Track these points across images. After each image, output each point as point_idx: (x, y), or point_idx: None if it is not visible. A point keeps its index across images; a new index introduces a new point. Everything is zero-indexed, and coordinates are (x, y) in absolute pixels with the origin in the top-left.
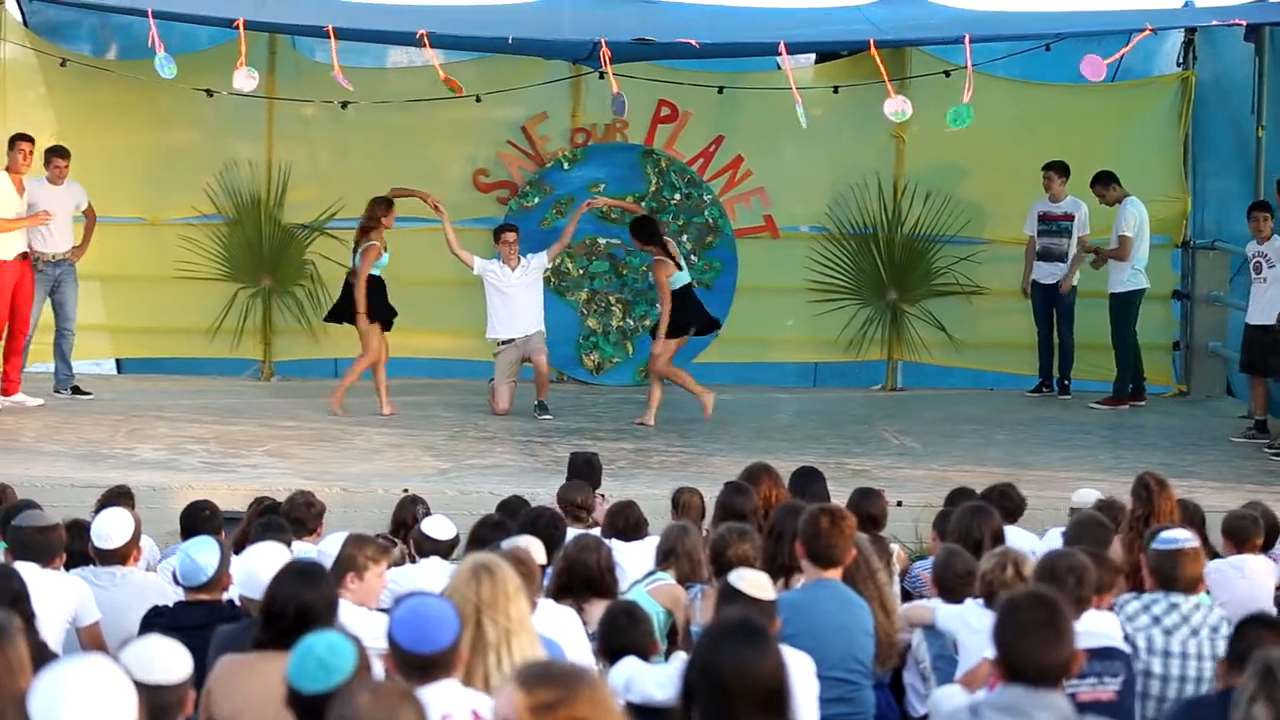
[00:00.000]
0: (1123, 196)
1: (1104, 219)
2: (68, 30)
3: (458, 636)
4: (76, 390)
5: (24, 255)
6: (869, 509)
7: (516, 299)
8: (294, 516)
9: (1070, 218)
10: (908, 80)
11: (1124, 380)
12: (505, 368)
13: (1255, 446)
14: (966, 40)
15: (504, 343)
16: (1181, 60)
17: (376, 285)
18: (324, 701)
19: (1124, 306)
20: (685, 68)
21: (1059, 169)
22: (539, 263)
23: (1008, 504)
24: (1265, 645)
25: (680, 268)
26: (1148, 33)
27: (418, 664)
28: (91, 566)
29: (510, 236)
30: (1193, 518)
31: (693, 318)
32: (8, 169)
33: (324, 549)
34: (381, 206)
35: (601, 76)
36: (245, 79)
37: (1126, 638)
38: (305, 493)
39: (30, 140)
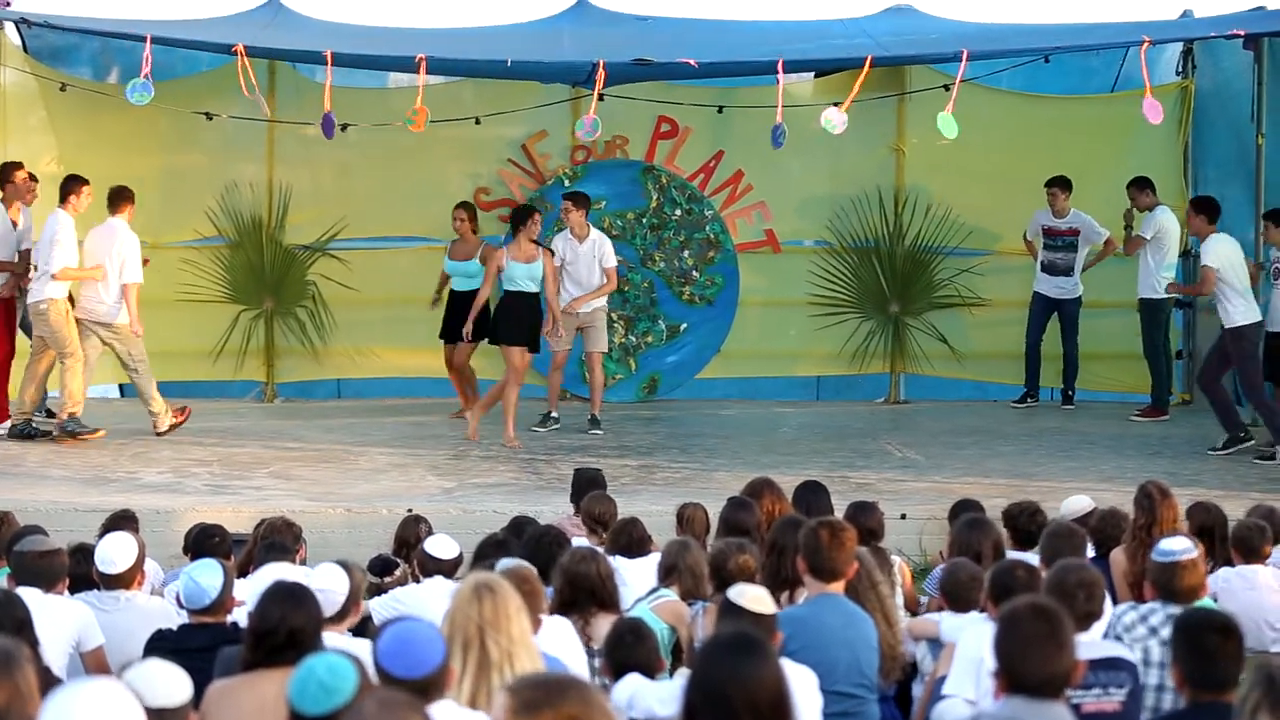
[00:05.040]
0: (1155, 204)
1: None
2: (68, 54)
3: (446, 655)
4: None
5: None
6: (866, 522)
7: (579, 265)
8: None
9: (1075, 233)
10: (908, 95)
11: (1160, 389)
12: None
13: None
14: (964, 56)
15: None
16: (1181, 69)
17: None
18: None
19: (1152, 314)
20: (684, 84)
21: (1063, 184)
22: (604, 252)
23: (1031, 525)
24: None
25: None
26: (1146, 46)
27: (412, 689)
28: (96, 591)
29: (568, 205)
30: (1214, 520)
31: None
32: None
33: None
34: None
35: (601, 98)
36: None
37: None
38: (281, 517)
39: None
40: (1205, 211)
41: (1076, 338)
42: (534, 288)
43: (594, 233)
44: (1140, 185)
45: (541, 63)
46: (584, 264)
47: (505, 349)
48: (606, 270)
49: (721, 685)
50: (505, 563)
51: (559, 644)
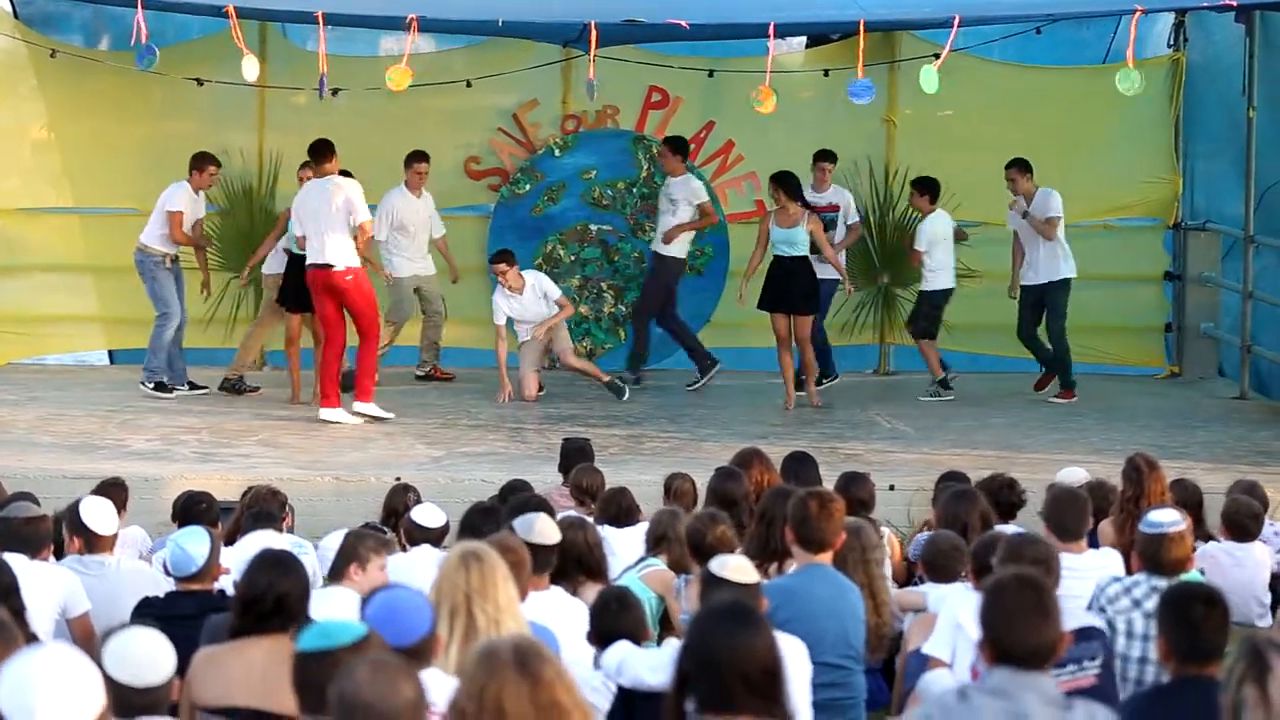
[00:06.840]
0: (1035, 189)
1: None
2: (59, 21)
3: (434, 623)
4: (194, 385)
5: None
6: (857, 493)
7: (530, 310)
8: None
9: (835, 208)
10: (898, 64)
11: (1055, 364)
12: (531, 358)
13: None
14: (956, 22)
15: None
16: (1172, 42)
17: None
18: (319, 662)
19: (1033, 297)
20: (675, 52)
21: (830, 157)
22: (546, 289)
23: (1011, 497)
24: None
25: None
26: (1138, 15)
27: (400, 657)
28: (81, 556)
29: (501, 266)
30: (1191, 498)
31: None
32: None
33: (326, 545)
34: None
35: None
36: (250, 68)
37: (1108, 622)
38: (267, 485)
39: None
40: (679, 151)
41: (822, 320)
42: (791, 252)
43: (529, 277)
44: (1022, 168)
45: (533, 23)
46: (531, 308)
47: (773, 317)
48: (558, 300)
49: (714, 654)
50: (523, 519)
51: (559, 615)
